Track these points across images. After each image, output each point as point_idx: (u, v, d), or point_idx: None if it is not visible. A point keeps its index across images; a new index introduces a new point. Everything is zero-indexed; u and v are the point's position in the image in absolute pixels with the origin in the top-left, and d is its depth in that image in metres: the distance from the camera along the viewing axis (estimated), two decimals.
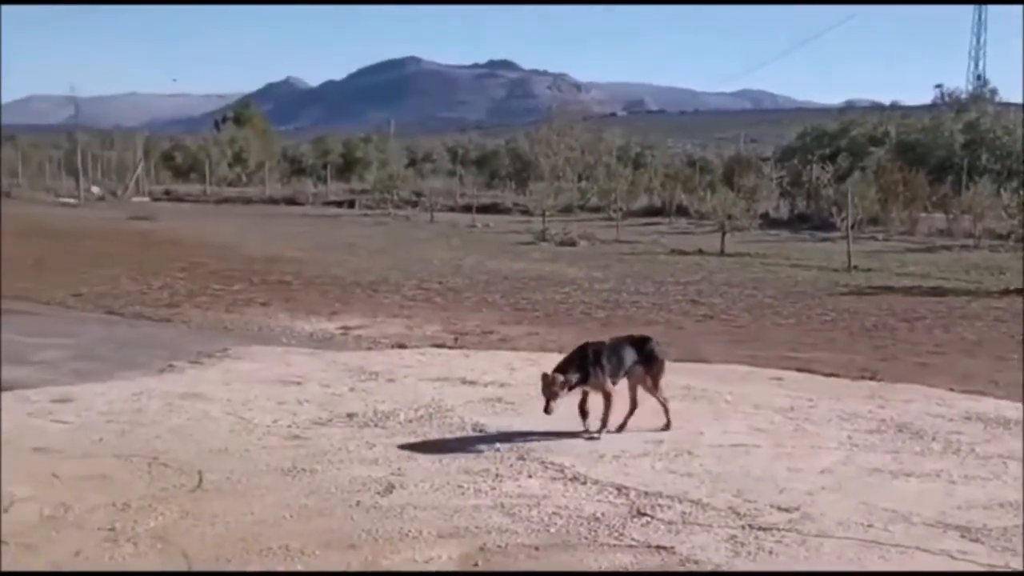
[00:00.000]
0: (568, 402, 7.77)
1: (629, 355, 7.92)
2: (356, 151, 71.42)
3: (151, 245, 26.21)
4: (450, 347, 12.36)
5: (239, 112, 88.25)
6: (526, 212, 44.00)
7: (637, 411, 8.00)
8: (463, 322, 14.62)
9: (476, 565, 5.30)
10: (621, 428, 7.87)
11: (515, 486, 6.58)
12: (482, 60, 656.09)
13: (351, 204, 49.45)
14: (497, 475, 6.79)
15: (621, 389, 7.98)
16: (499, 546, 5.55)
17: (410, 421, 8.27)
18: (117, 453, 7.23)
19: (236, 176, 67.48)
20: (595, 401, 7.86)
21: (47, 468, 6.84)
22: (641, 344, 8.08)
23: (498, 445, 7.52)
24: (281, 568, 5.22)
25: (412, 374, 10.27)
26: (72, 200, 47.58)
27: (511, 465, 7.03)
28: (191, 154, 70.40)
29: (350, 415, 8.43)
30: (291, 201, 51.68)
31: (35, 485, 6.45)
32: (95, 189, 52.37)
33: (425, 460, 7.13)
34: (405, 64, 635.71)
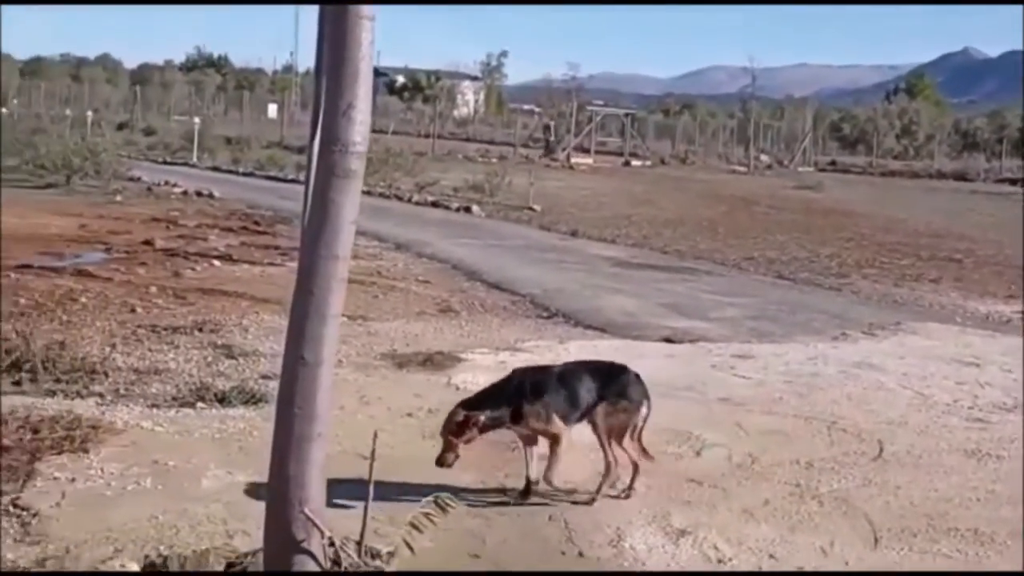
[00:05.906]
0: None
1: (588, 388, 5.57)
2: None
3: (817, 214, 26.51)
4: None
5: (911, 83, 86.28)
6: None
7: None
8: None
9: None
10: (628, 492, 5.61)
11: None
12: None
13: None
14: None
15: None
16: None
17: None
18: (797, 413, 7.45)
19: (903, 149, 65.96)
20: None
21: (732, 418, 7.24)
22: (612, 375, 5.69)
23: None
24: (971, 551, 5.07)
25: None
26: (741, 168, 49.49)
27: None
28: (858, 125, 70.02)
29: None
30: (960, 176, 49.47)
31: (723, 433, 6.86)
32: (763, 157, 54.00)
33: None
34: None
